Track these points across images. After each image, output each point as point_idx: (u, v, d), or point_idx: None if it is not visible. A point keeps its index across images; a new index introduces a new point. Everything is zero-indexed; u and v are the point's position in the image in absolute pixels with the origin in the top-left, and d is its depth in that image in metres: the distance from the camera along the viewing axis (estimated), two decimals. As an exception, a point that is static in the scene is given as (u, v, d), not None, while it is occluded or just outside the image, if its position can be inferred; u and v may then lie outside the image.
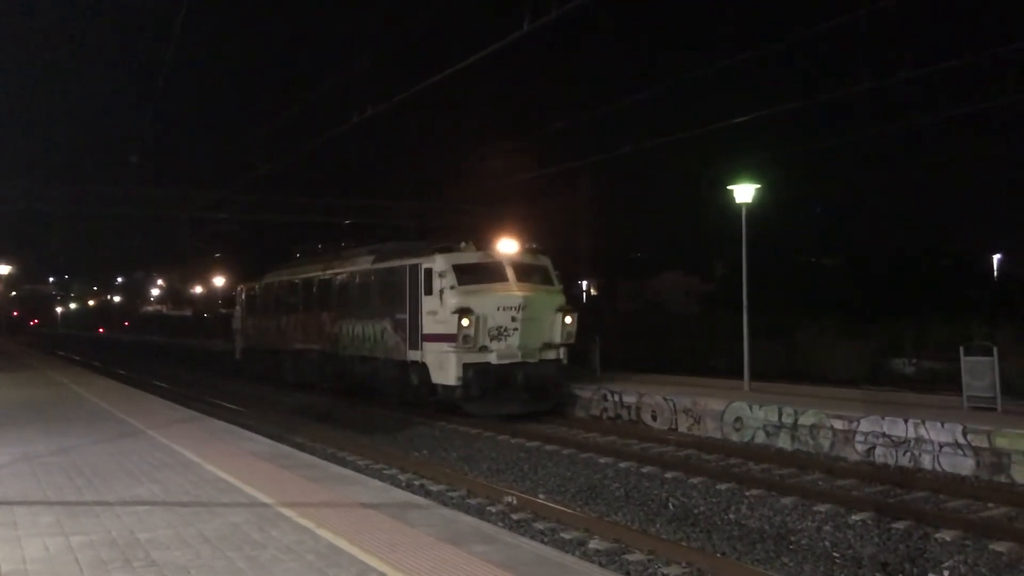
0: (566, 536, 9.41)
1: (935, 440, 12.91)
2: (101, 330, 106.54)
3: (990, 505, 10.78)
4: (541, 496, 11.56)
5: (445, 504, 10.09)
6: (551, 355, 18.85)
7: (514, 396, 18.28)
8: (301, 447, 14.16)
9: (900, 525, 9.79)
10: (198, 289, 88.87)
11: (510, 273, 18.72)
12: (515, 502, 10.92)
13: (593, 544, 9.06)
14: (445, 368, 18.11)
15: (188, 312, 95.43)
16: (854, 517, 10.16)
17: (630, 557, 8.60)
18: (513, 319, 18.18)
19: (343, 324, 23.00)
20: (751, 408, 15.78)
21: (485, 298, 18.15)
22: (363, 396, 22.38)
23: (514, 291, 18.44)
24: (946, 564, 8.55)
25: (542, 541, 8.69)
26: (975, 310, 29.33)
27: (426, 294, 18.75)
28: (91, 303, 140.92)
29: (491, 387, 18.02)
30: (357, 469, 12.52)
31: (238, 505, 7.97)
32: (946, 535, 9.37)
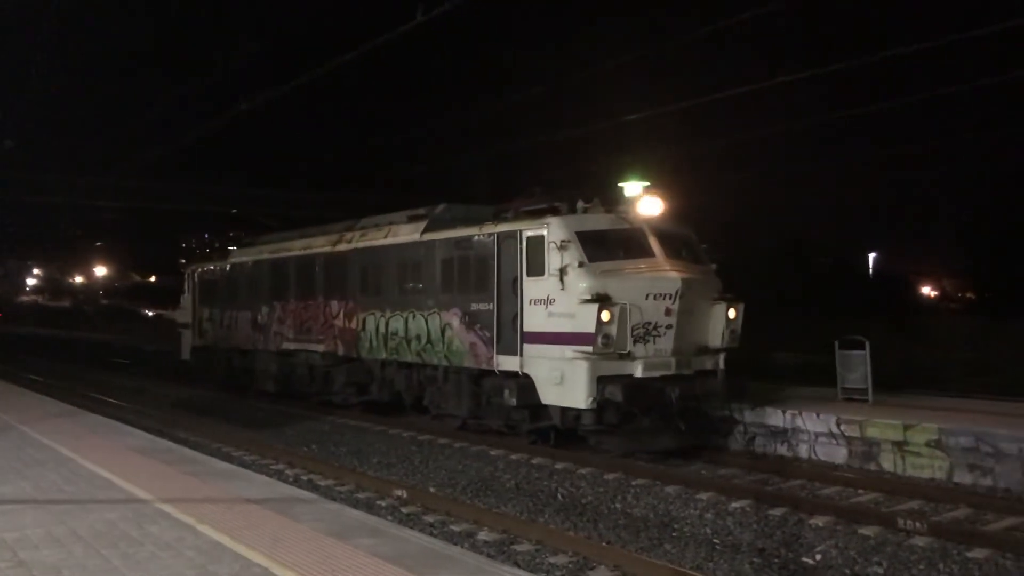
0: (455, 528, 9.44)
1: (811, 430, 13.46)
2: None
3: (860, 492, 11.32)
4: (432, 489, 11.57)
5: (333, 499, 10.00)
6: (708, 363, 13.71)
7: (665, 424, 12.95)
8: (183, 442, 13.80)
9: (777, 512, 10.17)
10: (78, 279, 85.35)
11: (655, 245, 13.32)
12: (405, 496, 10.88)
13: (482, 535, 9.12)
14: (569, 383, 12.65)
15: (67, 303, 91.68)
16: (734, 504, 10.52)
17: (518, 547, 8.70)
18: (667, 312, 12.85)
19: (369, 317, 17.28)
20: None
21: (630, 281, 12.77)
22: (405, 415, 17.41)
23: (667, 271, 13.04)
24: (819, 548, 8.94)
25: (431, 534, 8.72)
26: (851, 305, 30.74)
27: (531, 275, 13.27)
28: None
29: (634, 412, 12.75)
30: (243, 464, 12.26)
31: (115, 502, 7.71)
32: (819, 520, 9.79)
